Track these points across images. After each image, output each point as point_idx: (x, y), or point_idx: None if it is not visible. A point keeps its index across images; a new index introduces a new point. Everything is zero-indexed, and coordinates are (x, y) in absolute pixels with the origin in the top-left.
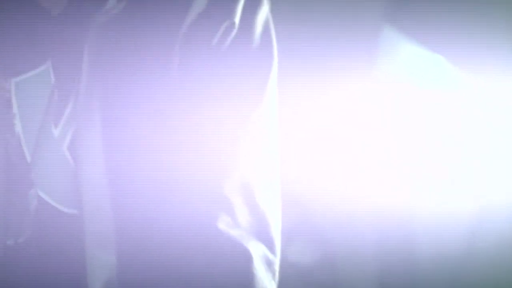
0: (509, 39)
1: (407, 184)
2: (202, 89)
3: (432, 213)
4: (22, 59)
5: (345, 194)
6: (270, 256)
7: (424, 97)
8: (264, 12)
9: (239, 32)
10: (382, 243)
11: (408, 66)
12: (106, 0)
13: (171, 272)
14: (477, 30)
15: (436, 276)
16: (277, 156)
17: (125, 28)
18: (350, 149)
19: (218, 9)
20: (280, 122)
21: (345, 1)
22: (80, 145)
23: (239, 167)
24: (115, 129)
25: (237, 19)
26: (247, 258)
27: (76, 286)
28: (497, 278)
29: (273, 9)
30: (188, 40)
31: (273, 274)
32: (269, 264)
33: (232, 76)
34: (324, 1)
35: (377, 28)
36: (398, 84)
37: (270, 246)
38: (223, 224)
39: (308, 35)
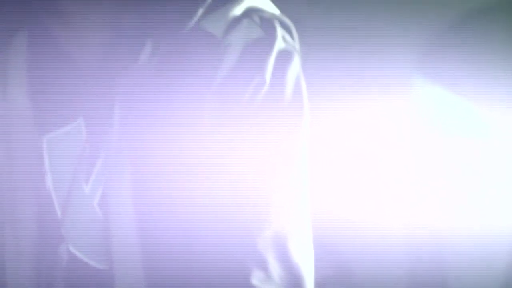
0: None
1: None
2: (233, 145)
3: (469, 239)
4: (54, 115)
5: (377, 238)
6: None
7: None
8: (295, 67)
9: (270, 88)
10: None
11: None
12: (138, 55)
13: None
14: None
15: None
16: (308, 206)
17: (157, 83)
18: (380, 186)
19: (249, 65)
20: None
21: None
22: (110, 201)
23: (273, 220)
24: (146, 185)
25: (268, 76)
26: None
27: None
28: None
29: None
30: (219, 95)
31: None
32: None
33: (263, 132)
34: (357, 40)
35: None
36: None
37: None
38: (256, 280)
39: (341, 69)
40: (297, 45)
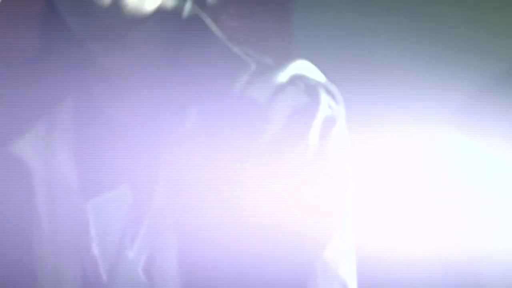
0: None
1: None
2: (278, 212)
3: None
4: (100, 181)
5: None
6: None
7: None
8: (340, 133)
9: (315, 155)
10: None
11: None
12: (183, 122)
13: None
14: None
15: None
16: (353, 231)
17: (202, 150)
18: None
19: (294, 132)
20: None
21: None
22: (155, 267)
23: (326, 246)
24: (192, 251)
25: (312, 142)
26: None
27: None
28: None
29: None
30: (264, 163)
31: None
32: None
33: (309, 197)
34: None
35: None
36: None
37: None
38: None
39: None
40: (342, 110)
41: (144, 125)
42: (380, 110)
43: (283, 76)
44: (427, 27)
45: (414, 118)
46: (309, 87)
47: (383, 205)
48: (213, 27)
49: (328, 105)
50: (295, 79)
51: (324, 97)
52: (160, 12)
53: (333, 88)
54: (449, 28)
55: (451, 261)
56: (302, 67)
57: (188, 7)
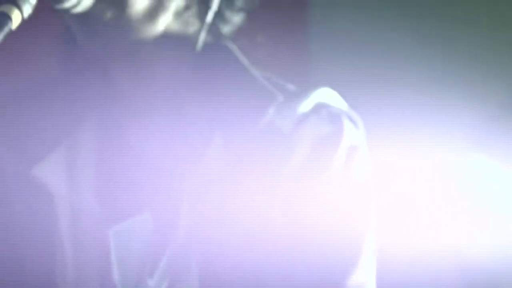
0: None
1: None
2: (302, 241)
3: None
4: (122, 207)
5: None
6: None
7: None
8: (362, 160)
9: (338, 184)
10: None
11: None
12: (207, 150)
13: None
14: None
15: None
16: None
17: (226, 177)
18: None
19: (318, 161)
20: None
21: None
22: None
23: (353, 270)
24: (213, 282)
25: (336, 172)
26: None
27: None
28: None
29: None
30: (288, 192)
31: None
32: None
33: (334, 225)
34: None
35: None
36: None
37: None
38: None
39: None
40: (364, 137)
41: (168, 152)
42: (398, 130)
43: (306, 105)
44: (449, 47)
45: (433, 138)
46: (332, 116)
47: (403, 225)
48: (239, 55)
49: (350, 132)
50: (318, 108)
51: (346, 124)
52: (171, 37)
53: (354, 114)
54: (473, 47)
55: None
56: (324, 95)
57: (203, 36)
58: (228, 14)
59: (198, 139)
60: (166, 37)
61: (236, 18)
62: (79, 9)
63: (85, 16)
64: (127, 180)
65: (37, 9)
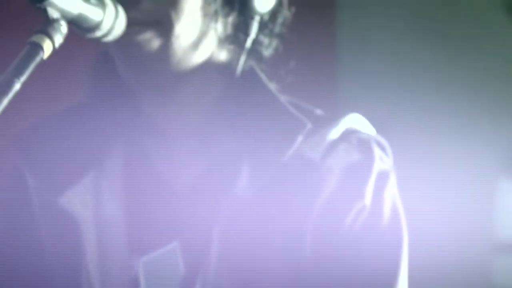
0: None
1: None
2: (336, 271)
3: None
4: (150, 237)
5: None
6: None
7: None
8: (392, 186)
9: (370, 212)
10: None
11: None
12: (236, 181)
13: None
14: None
15: None
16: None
17: (256, 209)
18: None
19: (349, 190)
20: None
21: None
22: None
23: None
24: None
25: (368, 200)
26: None
27: None
28: None
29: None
30: (320, 221)
31: None
32: None
33: (366, 256)
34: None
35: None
36: None
37: None
38: None
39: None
40: (391, 162)
41: (197, 181)
42: (427, 154)
43: (335, 132)
44: (479, 72)
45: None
46: (361, 142)
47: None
48: (268, 83)
49: (380, 160)
50: (348, 135)
51: (376, 152)
52: (211, 65)
53: (383, 141)
54: (505, 70)
55: None
56: (353, 120)
57: (242, 60)
58: (266, 40)
59: (227, 168)
60: (206, 66)
61: (274, 43)
62: (111, 37)
63: (129, 45)
64: (155, 209)
65: (68, 35)
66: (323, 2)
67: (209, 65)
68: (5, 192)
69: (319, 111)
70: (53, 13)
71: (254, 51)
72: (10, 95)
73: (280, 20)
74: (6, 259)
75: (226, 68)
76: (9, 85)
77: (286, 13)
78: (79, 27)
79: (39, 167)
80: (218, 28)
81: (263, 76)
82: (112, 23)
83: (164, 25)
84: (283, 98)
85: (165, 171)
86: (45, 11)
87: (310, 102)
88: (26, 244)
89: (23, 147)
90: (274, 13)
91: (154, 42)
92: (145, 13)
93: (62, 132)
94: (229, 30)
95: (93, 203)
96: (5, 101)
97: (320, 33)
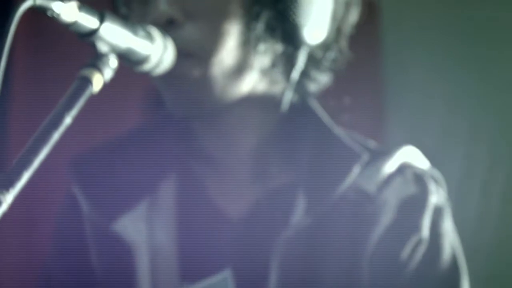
0: None
1: None
2: None
3: None
4: (201, 265)
5: None
6: None
7: None
8: (448, 220)
9: (427, 246)
10: None
11: None
12: (291, 214)
13: None
14: None
15: None
16: None
17: (312, 242)
18: None
19: (405, 224)
20: None
21: None
22: None
23: None
24: None
25: (424, 234)
26: None
27: None
28: None
29: None
30: (376, 254)
31: None
32: None
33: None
34: None
35: None
36: None
37: None
38: None
39: None
40: (446, 195)
41: (250, 210)
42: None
43: (391, 165)
44: None
45: None
46: (416, 177)
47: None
48: (323, 114)
49: (435, 193)
50: (403, 168)
51: (431, 185)
52: (256, 95)
53: (437, 174)
54: None
55: None
56: (408, 153)
57: (290, 93)
58: (314, 73)
59: (282, 197)
60: (251, 95)
61: (322, 78)
62: (159, 70)
63: (170, 76)
64: (208, 237)
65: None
66: (367, 32)
67: (254, 96)
68: (60, 218)
69: (372, 143)
70: (102, 47)
71: (303, 84)
72: (61, 129)
73: (332, 54)
74: (59, 285)
75: (275, 99)
76: (59, 119)
77: (340, 48)
78: (128, 61)
79: (93, 193)
80: (261, 57)
81: (317, 107)
82: (160, 56)
83: (202, 54)
84: (339, 131)
85: (219, 199)
86: (94, 45)
87: (358, 132)
88: (79, 270)
89: (78, 173)
90: (326, 46)
91: (194, 72)
92: (183, 43)
93: (116, 159)
94: (273, 60)
95: (146, 230)
96: (56, 135)
97: (365, 64)
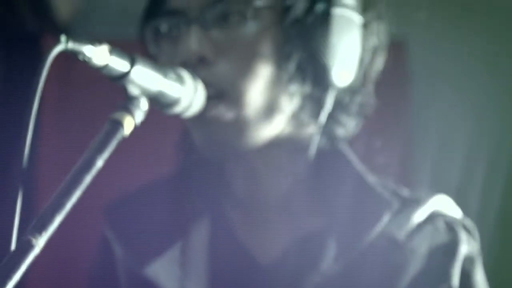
0: None
1: None
2: None
3: None
4: None
5: None
6: None
7: None
8: (479, 270)
9: None
10: None
11: None
12: (320, 260)
13: None
14: None
15: None
16: None
17: (341, 287)
18: None
19: (435, 273)
20: None
21: None
22: None
23: None
24: None
25: (454, 283)
26: None
27: None
28: None
29: None
30: None
31: None
32: None
33: None
34: None
35: None
36: None
37: None
38: None
39: None
40: (478, 245)
41: (281, 255)
42: None
43: (421, 213)
44: None
45: None
46: (447, 225)
47: None
48: (354, 159)
49: (467, 243)
50: (434, 217)
51: (462, 235)
52: (287, 139)
53: (470, 224)
54: None
55: None
56: (439, 202)
57: (318, 137)
58: (341, 117)
59: (312, 244)
60: (280, 138)
61: (350, 122)
62: (190, 113)
63: (202, 118)
64: (239, 282)
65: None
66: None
67: (283, 138)
68: (95, 262)
69: (405, 191)
70: (133, 90)
71: (331, 128)
72: (93, 172)
73: (359, 99)
74: None
75: (303, 143)
76: (91, 163)
77: (367, 93)
78: (158, 103)
79: (126, 237)
80: (290, 98)
81: (348, 152)
82: (191, 98)
83: (234, 94)
84: (370, 177)
85: (249, 243)
86: (125, 88)
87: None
88: None
89: (112, 218)
90: (353, 91)
91: (226, 114)
92: (214, 81)
93: (149, 203)
94: (302, 101)
95: (178, 275)
96: (88, 178)
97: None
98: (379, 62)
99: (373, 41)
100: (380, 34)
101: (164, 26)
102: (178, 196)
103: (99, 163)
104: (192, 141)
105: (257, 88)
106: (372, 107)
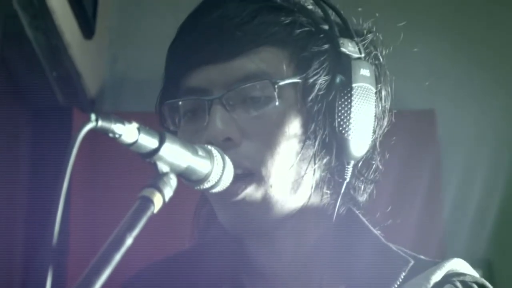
0: None
1: None
2: None
3: None
4: None
5: None
6: None
7: None
8: None
9: None
10: None
11: None
12: None
13: None
14: None
15: None
16: None
17: None
18: None
19: None
20: None
21: None
22: None
23: None
24: None
25: None
26: None
27: None
28: None
29: None
30: None
31: None
32: None
33: None
34: None
35: None
36: None
37: None
38: None
39: None
40: None
41: None
42: None
43: (439, 274)
44: None
45: None
46: (465, 285)
47: None
48: (368, 225)
49: None
50: (451, 276)
51: None
52: (308, 209)
53: (487, 284)
54: None
55: None
56: (457, 264)
57: (338, 204)
58: (360, 184)
59: None
60: (304, 209)
61: (367, 190)
62: (218, 188)
63: (229, 196)
64: None
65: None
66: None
67: (306, 209)
68: None
69: (422, 256)
70: (163, 167)
71: (349, 195)
72: (123, 250)
73: (374, 166)
74: None
75: (323, 211)
76: (122, 240)
77: (379, 159)
78: (187, 179)
79: None
80: (315, 172)
81: (361, 217)
82: (220, 174)
83: (262, 177)
84: (387, 242)
85: None
86: (155, 165)
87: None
88: None
89: None
90: (367, 160)
91: (255, 194)
92: (241, 161)
93: (167, 278)
94: (325, 174)
95: None
96: (118, 256)
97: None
98: (385, 125)
99: (382, 106)
100: (386, 98)
101: (184, 104)
102: (196, 270)
103: (129, 240)
104: (209, 215)
105: (284, 167)
106: (378, 172)
